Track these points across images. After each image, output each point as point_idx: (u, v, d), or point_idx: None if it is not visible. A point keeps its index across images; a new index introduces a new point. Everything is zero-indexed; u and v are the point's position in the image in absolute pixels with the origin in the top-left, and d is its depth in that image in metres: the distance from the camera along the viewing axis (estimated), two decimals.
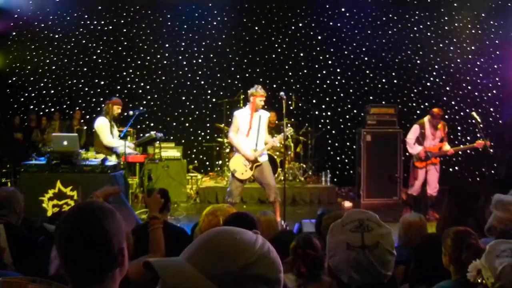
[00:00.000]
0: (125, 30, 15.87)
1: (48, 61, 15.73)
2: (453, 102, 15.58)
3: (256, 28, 16.03)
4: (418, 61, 15.59)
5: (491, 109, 15.51)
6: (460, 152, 14.16)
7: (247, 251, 1.57)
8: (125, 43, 15.94)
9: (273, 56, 16.02)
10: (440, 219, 6.27)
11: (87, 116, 15.17)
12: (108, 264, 2.09)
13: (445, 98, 15.55)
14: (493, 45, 15.37)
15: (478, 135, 10.78)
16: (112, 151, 9.82)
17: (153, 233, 4.23)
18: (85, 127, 14.56)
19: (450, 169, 15.40)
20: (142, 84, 15.98)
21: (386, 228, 2.28)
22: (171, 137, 14.61)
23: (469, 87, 15.56)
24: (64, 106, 15.99)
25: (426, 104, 15.10)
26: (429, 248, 4.14)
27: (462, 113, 15.37)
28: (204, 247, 1.61)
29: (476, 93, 15.55)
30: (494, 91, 15.55)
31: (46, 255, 4.67)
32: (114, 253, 2.10)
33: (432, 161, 10.69)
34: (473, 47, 15.42)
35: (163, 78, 15.95)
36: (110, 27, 15.91)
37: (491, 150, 13.48)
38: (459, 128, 15.01)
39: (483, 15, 15.27)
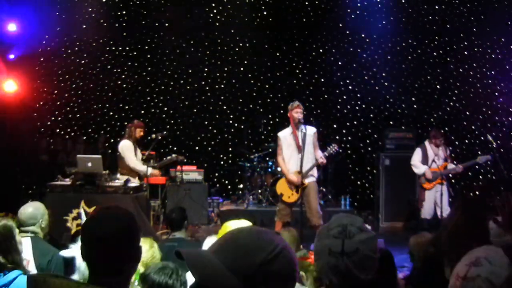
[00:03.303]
0: (149, 56, 16.26)
1: (74, 86, 16.12)
2: (473, 127, 15.66)
3: (278, 54, 16.33)
4: (438, 86, 15.76)
5: None
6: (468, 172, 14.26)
7: (266, 249, 1.79)
8: (149, 68, 16.31)
9: (294, 81, 16.28)
10: (443, 231, 6.30)
11: (112, 140, 15.49)
12: (128, 259, 2.38)
13: (465, 123, 15.65)
14: None
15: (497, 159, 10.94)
16: (136, 173, 10.14)
17: None
18: (109, 151, 14.90)
19: (471, 194, 15.48)
20: (165, 108, 16.34)
21: (369, 233, 2.44)
22: (193, 161, 14.86)
23: (489, 112, 15.63)
24: (89, 130, 16.39)
25: (446, 128, 15.20)
26: (431, 263, 4.34)
27: (482, 138, 15.46)
28: (229, 243, 1.83)
29: (496, 118, 15.64)
30: None
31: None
32: (133, 249, 2.40)
33: (439, 181, 10.79)
34: (493, 72, 15.55)
35: (186, 103, 16.28)
36: (135, 53, 16.30)
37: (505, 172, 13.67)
38: (479, 152, 15.07)
39: (503, 39, 15.44)
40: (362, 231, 2.42)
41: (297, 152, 9.47)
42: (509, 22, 15.18)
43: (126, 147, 10.04)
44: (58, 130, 16.29)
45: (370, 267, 2.40)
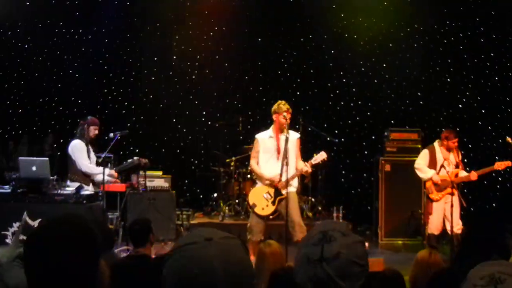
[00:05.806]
0: (107, 40, 16.06)
1: (15, 75, 15.93)
2: (489, 127, 15.65)
3: (259, 39, 16.28)
4: (448, 79, 15.74)
5: None
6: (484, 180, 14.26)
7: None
8: (107, 55, 16.14)
9: (279, 72, 16.24)
10: (455, 257, 6.38)
11: (61, 140, 15.18)
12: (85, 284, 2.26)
13: (480, 122, 15.63)
14: None
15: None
16: (89, 179, 10.05)
17: None
18: (58, 153, 14.71)
19: (487, 206, 15.47)
20: (126, 103, 16.23)
21: (355, 237, 2.41)
22: (159, 165, 14.70)
23: (509, 110, 15.61)
24: (35, 128, 16.18)
25: (458, 129, 15.04)
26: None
27: (500, 140, 15.45)
28: None
29: None
30: None
31: None
32: (92, 271, 2.27)
33: (449, 190, 10.71)
34: None
35: (151, 96, 16.16)
36: (89, 37, 16.03)
37: None
38: (497, 157, 15.05)
39: None
40: (346, 236, 2.39)
41: (276, 158, 9.61)
42: None
43: (77, 148, 9.96)
44: None
45: (356, 276, 2.36)
